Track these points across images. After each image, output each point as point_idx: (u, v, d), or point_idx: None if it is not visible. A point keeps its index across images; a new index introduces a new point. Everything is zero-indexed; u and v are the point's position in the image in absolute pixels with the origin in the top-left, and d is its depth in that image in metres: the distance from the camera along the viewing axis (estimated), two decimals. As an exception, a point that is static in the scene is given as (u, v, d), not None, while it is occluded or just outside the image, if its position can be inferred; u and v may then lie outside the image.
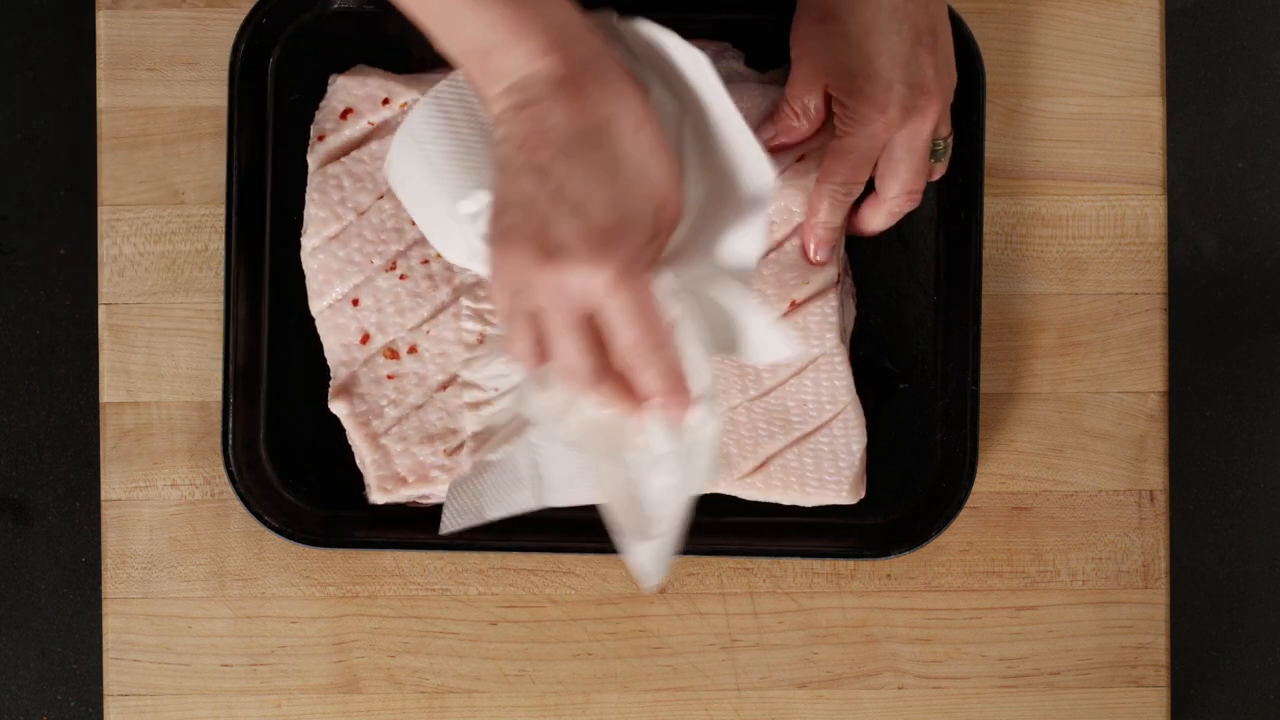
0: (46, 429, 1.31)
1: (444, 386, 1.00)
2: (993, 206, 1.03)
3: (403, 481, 0.99)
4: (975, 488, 1.00)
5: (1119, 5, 1.04)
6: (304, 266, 0.99)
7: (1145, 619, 1.04)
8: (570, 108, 0.79)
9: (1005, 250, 1.04)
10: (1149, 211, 1.04)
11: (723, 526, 1.01)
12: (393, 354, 1.00)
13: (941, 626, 1.03)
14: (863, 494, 0.99)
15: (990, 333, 1.02)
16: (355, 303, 1.00)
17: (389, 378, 1.00)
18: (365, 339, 1.00)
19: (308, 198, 0.99)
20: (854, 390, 0.98)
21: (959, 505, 0.99)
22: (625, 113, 0.80)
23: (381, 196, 0.99)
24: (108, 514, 1.03)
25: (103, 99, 1.03)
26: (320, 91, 1.00)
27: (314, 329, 1.00)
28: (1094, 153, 1.04)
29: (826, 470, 0.98)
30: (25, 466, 1.31)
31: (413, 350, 1.00)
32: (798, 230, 0.98)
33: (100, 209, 1.03)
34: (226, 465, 0.99)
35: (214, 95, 1.03)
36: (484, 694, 1.03)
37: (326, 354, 1.00)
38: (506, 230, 0.80)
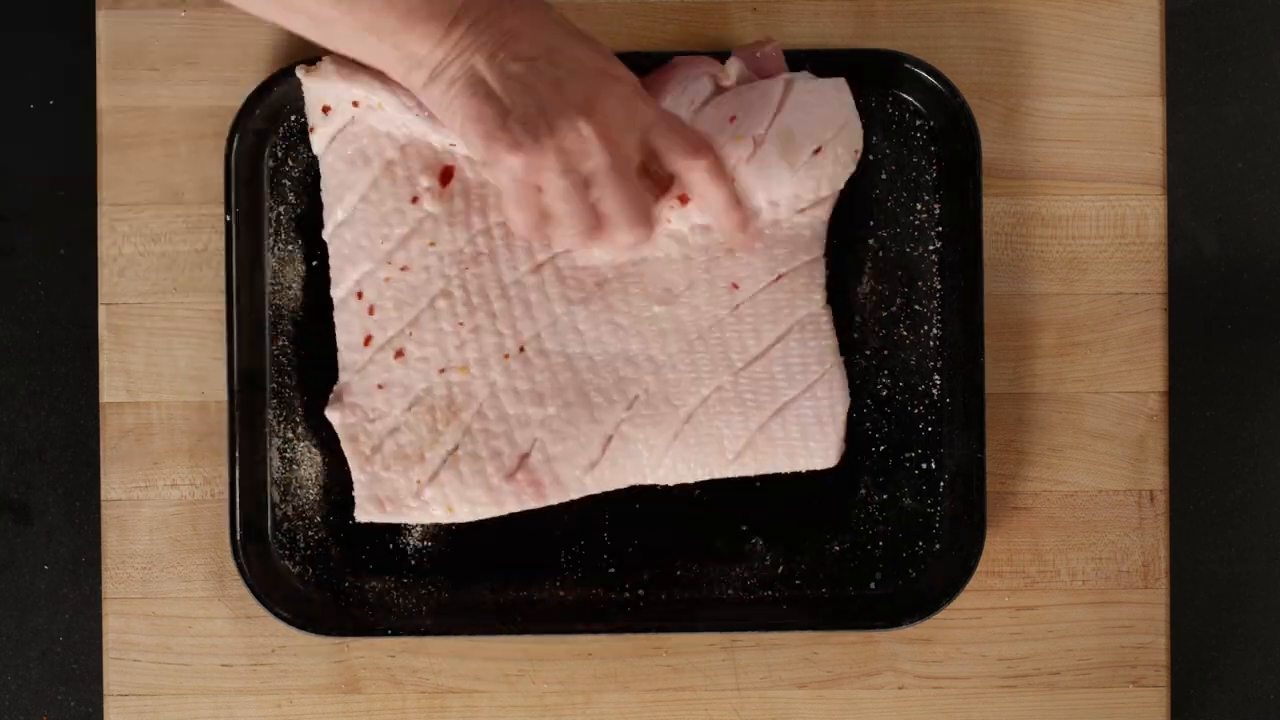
0: (46, 429, 1.30)
1: (409, 407, 0.99)
2: (993, 206, 1.03)
3: (381, 507, 0.99)
4: (975, 488, 1.01)
5: (1119, 5, 1.04)
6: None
7: (1145, 619, 1.03)
8: (511, 8, 0.88)
9: (1005, 250, 1.04)
10: (1149, 211, 1.04)
11: (727, 601, 1.02)
12: (400, 354, 0.99)
13: (941, 626, 1.03)
14: (839, 459, 0.99)
15: (990, 333, 1.02)
16: (359, 295, 0.99)
17: (378, 388, 0.99)
18: (367, 340, 0.99)
19: (321, 185, 1.00)
20: (838, 352, 0.99)
21: (969, 571, 0.99)
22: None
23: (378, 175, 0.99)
24: (108, 514, 1.03)
25: (103, 99, 1.03)
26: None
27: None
28: (1094, 153, 1.04)
29: (812, 436, 0.99)
30: (25, 466, 1.31)
31: (399, 355, 1.00)
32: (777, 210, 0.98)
33: (100, 209, 1.03)
34: (235, 557, 1.00)
35: (214, 95, 1.03)
36: (484, 694, 1.03)
37: (338, 353, 1.00)
38: (517, 120, 0.88)
